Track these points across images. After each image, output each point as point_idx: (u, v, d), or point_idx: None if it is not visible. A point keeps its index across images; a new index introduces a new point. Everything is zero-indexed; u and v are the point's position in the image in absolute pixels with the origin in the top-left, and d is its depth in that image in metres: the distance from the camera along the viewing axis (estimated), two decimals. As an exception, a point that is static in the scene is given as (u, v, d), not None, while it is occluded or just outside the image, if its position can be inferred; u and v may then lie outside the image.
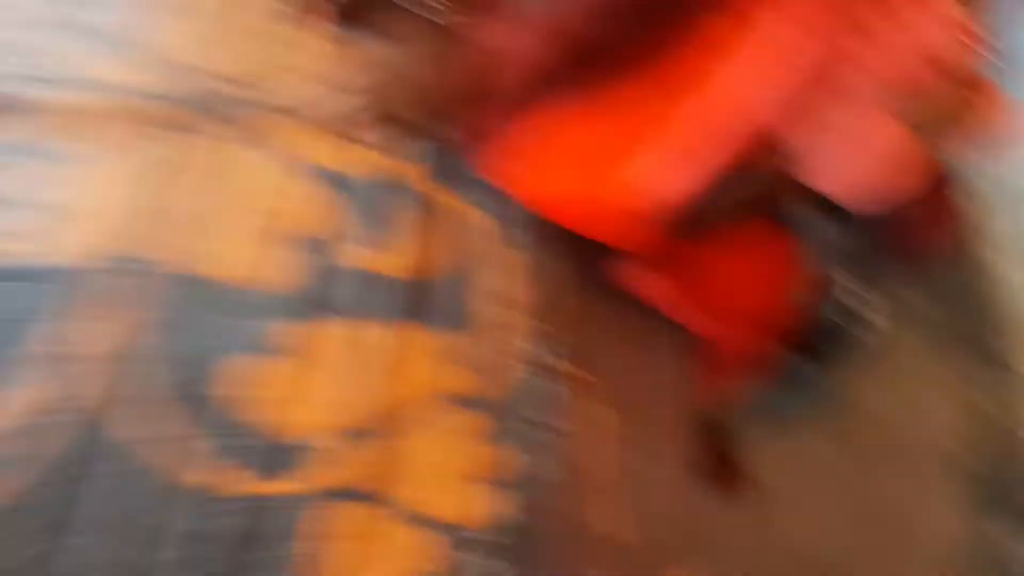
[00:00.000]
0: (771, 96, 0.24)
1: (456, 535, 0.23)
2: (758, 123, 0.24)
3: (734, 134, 0.24)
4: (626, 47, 0.25)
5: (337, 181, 0.26)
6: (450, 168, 0.27)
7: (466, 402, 0.26)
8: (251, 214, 0.26)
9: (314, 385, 0.23)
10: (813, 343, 0.31)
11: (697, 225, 0.26)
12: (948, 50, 0.26)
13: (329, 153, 0.27)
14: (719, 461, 0.35)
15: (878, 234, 0.30)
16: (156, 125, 0.28)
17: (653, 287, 0.27)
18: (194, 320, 0.23)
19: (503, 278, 0.27)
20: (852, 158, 0.26)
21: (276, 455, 0.22)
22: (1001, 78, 0.31)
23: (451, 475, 0.24)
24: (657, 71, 0.25)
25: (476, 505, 0.24)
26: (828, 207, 0.28)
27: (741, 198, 0.26)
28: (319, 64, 0.31)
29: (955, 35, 0.26)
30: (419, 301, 0.26)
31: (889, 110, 0.25)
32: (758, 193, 0.26)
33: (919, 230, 0.31)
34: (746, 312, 0.29)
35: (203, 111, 0.28)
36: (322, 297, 0.24)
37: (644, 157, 0.24)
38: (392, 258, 0.26)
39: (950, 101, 0.27)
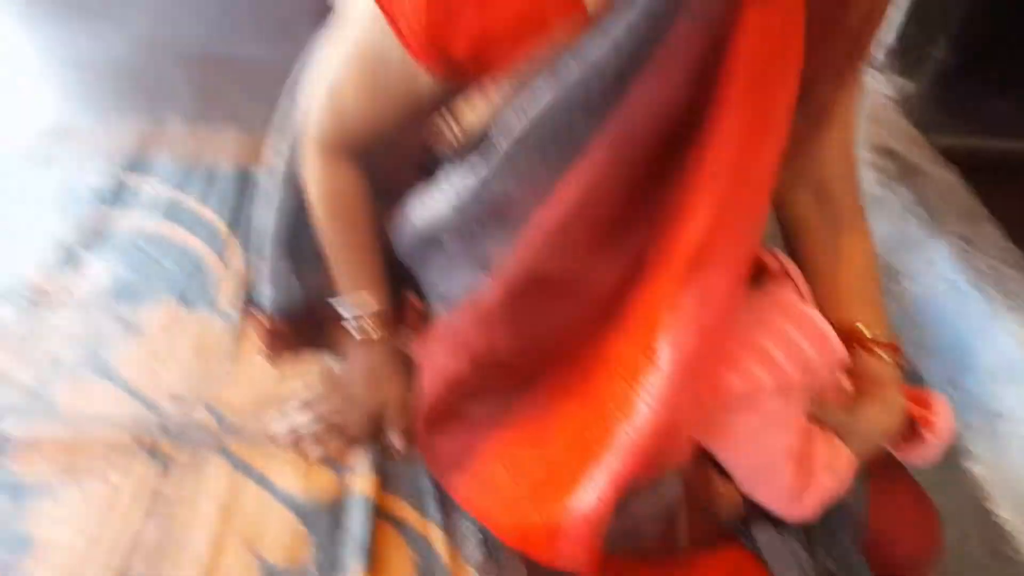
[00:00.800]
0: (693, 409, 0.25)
1: None
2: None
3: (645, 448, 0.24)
4: (535, 363, 0.27)
5: (298, 508, 0.29)
6: (399, 478, 0.30)
7: None
8: (221, 543, 0.28)
9: None
10: None
11: (628, 540, 0.26)
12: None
13: (286, 474, 0.29)
14: None
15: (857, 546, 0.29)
16: (121, 453, 0.30)
17: None
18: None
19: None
20: (766, 461, 0.27)
21: None
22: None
23: None
24: (573, 386, 0.27)
25: None
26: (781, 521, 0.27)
27: (669, 505, 0.27)
28: (262, 379, 0.33)
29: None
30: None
31: (804, 412, 0.27)
32: (686, 499, 0.27)
33: (896, 536, 0.30)
34: None
35: (165, 437, 0.30)
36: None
37: (586, 486, 0.25)
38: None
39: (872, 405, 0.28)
